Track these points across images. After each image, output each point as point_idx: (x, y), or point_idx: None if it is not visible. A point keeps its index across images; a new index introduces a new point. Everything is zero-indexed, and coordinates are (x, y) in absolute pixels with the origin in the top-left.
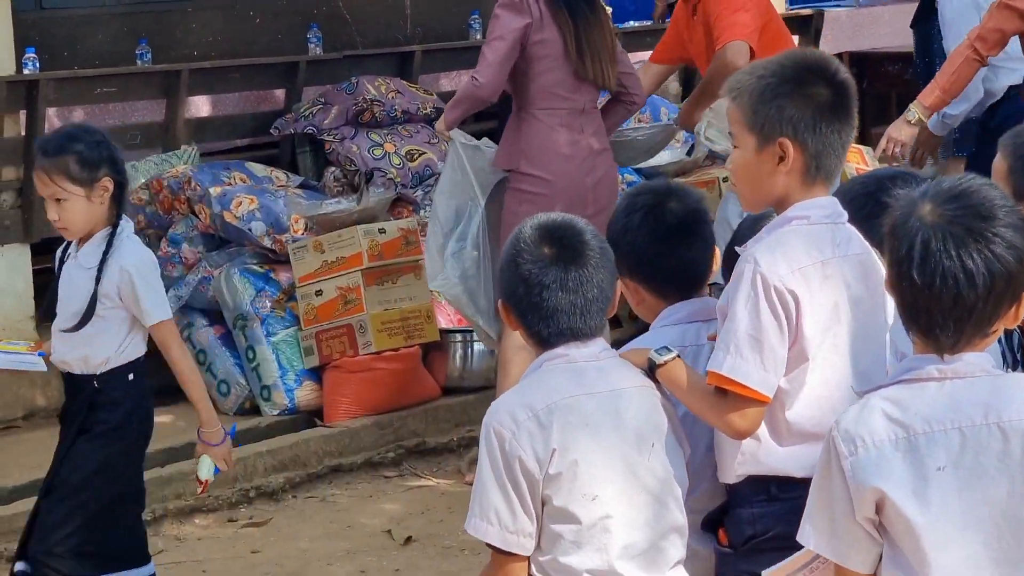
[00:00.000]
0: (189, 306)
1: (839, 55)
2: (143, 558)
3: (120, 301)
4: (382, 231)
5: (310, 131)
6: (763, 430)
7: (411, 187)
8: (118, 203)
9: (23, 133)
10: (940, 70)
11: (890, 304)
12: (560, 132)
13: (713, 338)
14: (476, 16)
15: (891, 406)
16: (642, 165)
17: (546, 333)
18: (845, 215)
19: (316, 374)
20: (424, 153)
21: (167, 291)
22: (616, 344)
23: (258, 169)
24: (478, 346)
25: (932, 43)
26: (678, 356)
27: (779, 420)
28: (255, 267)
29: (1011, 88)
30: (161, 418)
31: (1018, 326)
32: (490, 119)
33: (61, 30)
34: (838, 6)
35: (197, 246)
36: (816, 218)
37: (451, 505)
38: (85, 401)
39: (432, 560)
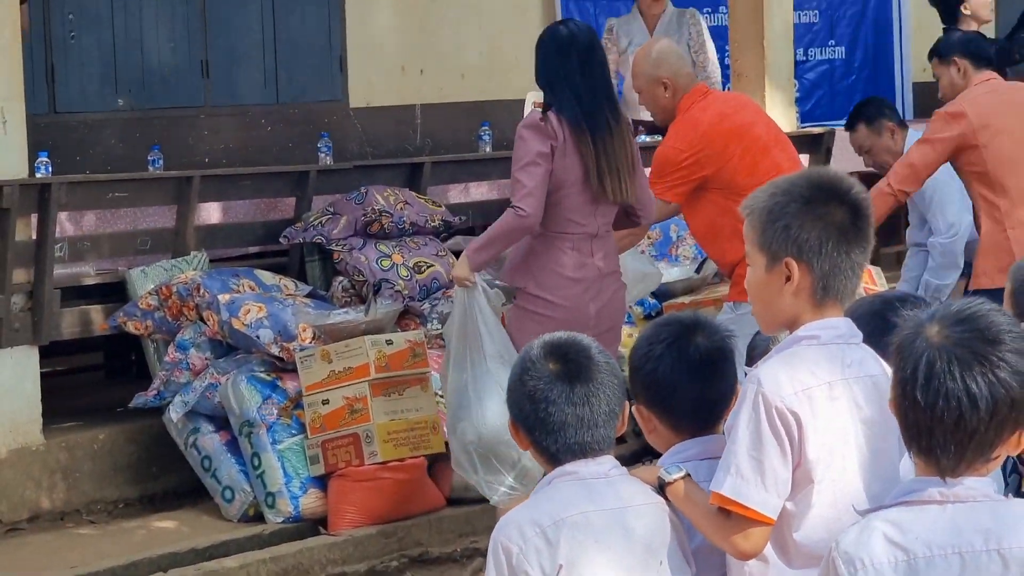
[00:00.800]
0: (195, 412)
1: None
2: None
3: None
4: (389, 342)
5: (319, 240)
6: (772, 551)
7: (418, 299)
8: None
9: (34, 236)
10: None
11: None
12: (569, 255)
13: None
14: (486, 128)
15: (891, 528)
16: None
17: (554, 448)
18: (859, 335)
19: (321, 482)
20: (432, 266)
21: (174, 396)
22: (621, 460)
23: (267, 277)
24: None
25: None
26: (688, 475)
27: (787, 541)
28: (262, 374)
29: None
30: (164, 523)
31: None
32: None
33: (74, 134)
34: None
35: (205, 352)
36: (827, 338)
37: None
38: None
39: None
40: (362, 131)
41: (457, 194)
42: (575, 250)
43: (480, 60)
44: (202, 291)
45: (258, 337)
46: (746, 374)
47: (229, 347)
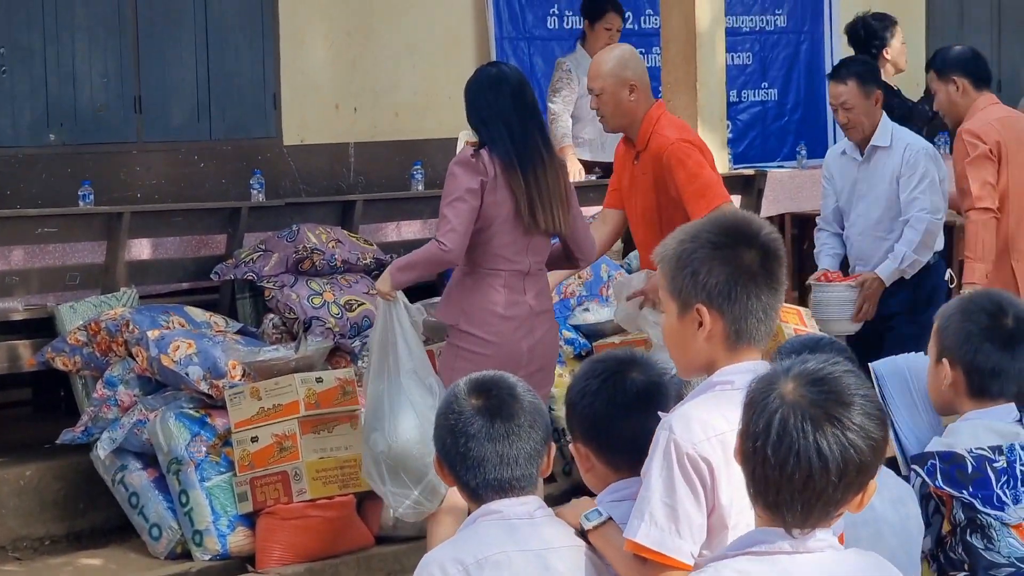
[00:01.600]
0: (123, 448)
1: (781, 216)
2: None
3: None
4: (319, 380)
5: (250, 277)
6: None
7: (349, 337)
8: None
9: None
10: (970, 248)
11: None
12: (501, 293)
13: None
14: (419, 167)
15: None
16: (580, 322)
17: (474, 484)
18: None
19: (250, 520)
20: (363, 304)
21: (103, 433)
22: (550, 499)
23: (197, 314)
24: None
25: None
26: (610, 519)
27: None
28: (191, 411)
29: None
30: (91, 560)
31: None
32: None
33: (4, 168)
34: (781, 167)
35: (133, 389)
36: (740, 383)
37: None
38: None
39: None
40: (295, 168)
41: (389, 232)
42: (506, 287)
43: (414, 98)
44: (131, 327)
45: (187, 374)
46: None
47: (158, 384)
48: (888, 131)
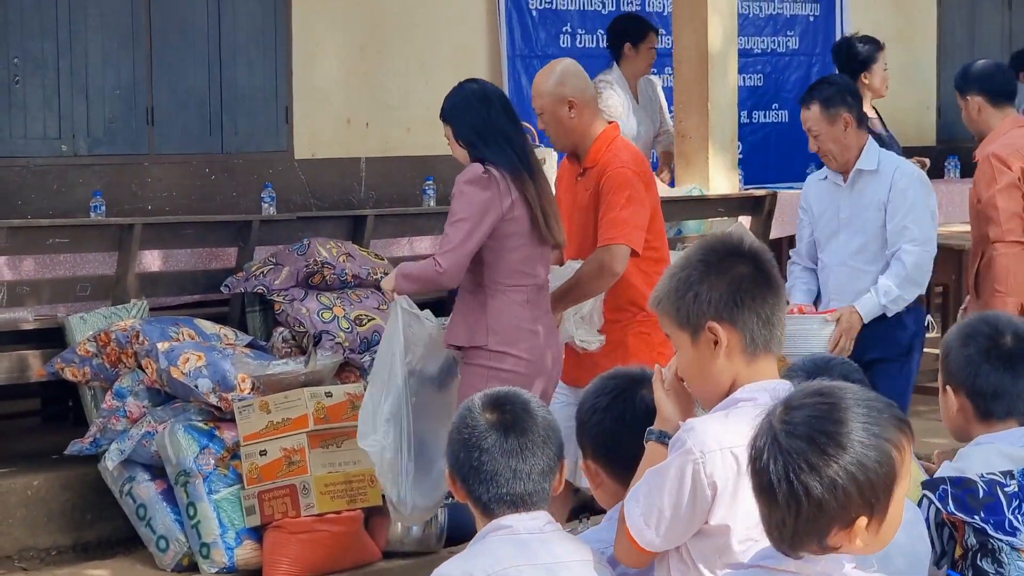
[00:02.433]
0: (131, 460)
1: (791, 237)
2: None
3: None
4: (328, 394)
5: (260, 290)
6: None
7: (359, 352)
8: None
9: None
10: (1000, 282)
11: None
12: (527, 309)
13: None
14: (430, 182)
15: None
16: None
17: (486, 498)
18: None
19: (257, 533)
20: (373, 319)
21: (110, 444)
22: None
23: (207, 326)
24: None
25: None
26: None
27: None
28: (200, 424)
29: None
30: (97, 572)
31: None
32: None
33: (16, 178)
34: (791, 187)
35: (142, 400)
36: (763, 400)
37: None
38: None
39: None
40: (306, 182)
41: (400, 248)
42: (529, 303)
43: (426, 114)
44: (141, 339)
45: (196, 386)
46: None
47: (167, 396)
48: (875, 154)
